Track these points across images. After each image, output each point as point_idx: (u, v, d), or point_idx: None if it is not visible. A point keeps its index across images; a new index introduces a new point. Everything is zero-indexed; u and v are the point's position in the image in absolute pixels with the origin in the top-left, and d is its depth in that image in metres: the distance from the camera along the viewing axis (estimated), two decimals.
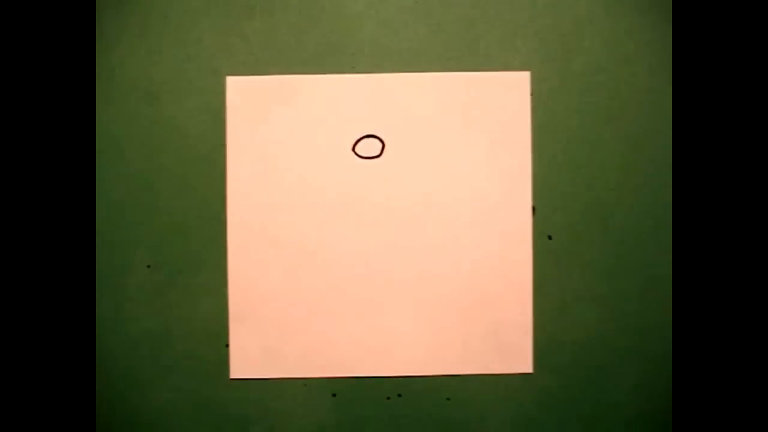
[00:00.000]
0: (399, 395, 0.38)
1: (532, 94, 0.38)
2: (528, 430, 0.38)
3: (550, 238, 0.38)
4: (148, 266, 0.38)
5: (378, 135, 0.38)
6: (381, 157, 0.38)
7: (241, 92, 0.38)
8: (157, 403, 0.38)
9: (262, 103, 0.38)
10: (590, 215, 0.37)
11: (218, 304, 0.38)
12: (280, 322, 0.38)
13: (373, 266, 0.38)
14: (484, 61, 0.38)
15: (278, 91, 0.38)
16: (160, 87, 0.38)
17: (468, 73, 0.38)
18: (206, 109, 0.38)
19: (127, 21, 0.38)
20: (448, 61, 0.38)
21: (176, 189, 0.38)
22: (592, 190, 0.38)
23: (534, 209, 0.38)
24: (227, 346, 0.38)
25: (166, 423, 0.38)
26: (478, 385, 0.38)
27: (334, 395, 0.38)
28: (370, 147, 0.38)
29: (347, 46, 0.38)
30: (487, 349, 0.38)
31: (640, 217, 0.38)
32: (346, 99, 0.38)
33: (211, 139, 0.38)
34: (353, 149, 0.38)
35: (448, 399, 0.38)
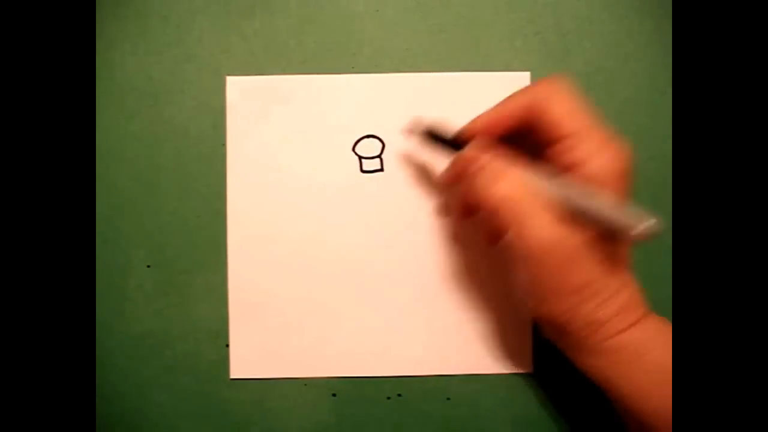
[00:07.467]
0: (399, 395, 0.38)
1: None
2: (528, 429, 0.38)
3: None
4: (148, 266, 0.38)
5: (378, 135, 0.38)
6: (381, 157, 0.38)
7: (241, 92, 0.38)
8: (157, 403, 0.38)
9: (262, 103, 0.38)
10: None
11: (218, 304, 0.38)
12: (280, 322, 0.38)
13: (374, 266, 0.38)
14: (484, 61, 0.38)
15: (278, 91, 0.38)
16: (160, 87, 0.38)
17: (468, 73, 0.38)
18: (206, 109, 0.38)
19: (127, 21, 0.38)
20: (448, 61, 0.38)
21: (176, 189, 0.38)
22: None
23: None
24: (227, 346, 0.38)
25: (166, 423, 0.38)
26: (478, 385, 0.38)
27: (334, 395, 0.38)
28: (370, 147, 0.38)
29: (347, 46, 0.38)
30: (487, 349, 0.38)
31: None
32: (346, 99, 0.38)
33: (211, 139, 0.38)
34: (353, 149, 0.38)
35: (448, 399, 0.38)
